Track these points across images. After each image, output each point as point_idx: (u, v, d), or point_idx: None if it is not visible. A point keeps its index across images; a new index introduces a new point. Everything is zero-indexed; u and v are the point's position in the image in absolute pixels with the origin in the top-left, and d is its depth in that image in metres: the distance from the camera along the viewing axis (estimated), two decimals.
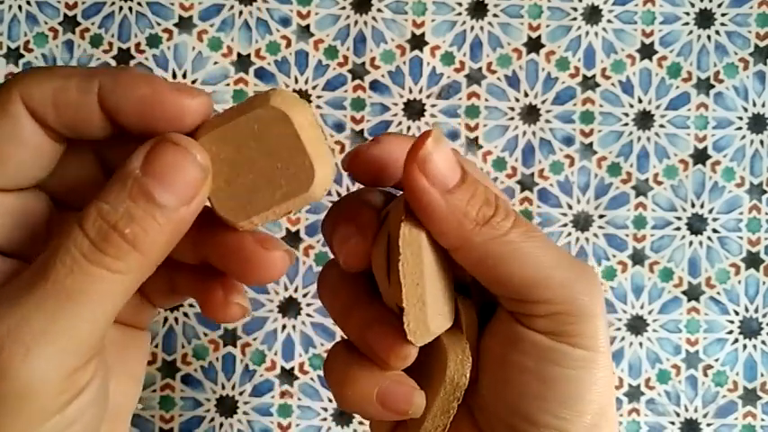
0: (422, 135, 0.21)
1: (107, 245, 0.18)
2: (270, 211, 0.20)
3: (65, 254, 0.18)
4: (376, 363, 0.23)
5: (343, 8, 0.42)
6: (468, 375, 0.24)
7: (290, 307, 0.41)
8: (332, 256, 0.25)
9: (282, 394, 0.41)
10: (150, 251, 0.18)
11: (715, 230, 0.42)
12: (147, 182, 0.18)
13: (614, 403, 0.23)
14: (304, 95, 0.42)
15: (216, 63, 0.42)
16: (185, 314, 0.41)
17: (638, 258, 0.42)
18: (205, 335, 0.41)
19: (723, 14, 0.42)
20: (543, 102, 0.42)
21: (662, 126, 0.42)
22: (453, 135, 0.42)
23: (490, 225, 0.22)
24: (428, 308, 0.22)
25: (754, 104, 0.42)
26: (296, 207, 0.21)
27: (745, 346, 0.42)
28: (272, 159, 0.20)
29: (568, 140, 0.42)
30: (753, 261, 0.42)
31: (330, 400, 0.41)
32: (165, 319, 0.41)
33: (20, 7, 0.42)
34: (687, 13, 0.42)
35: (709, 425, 0.41)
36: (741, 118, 0.42)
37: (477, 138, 0.42)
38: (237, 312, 0.23)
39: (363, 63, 0.42)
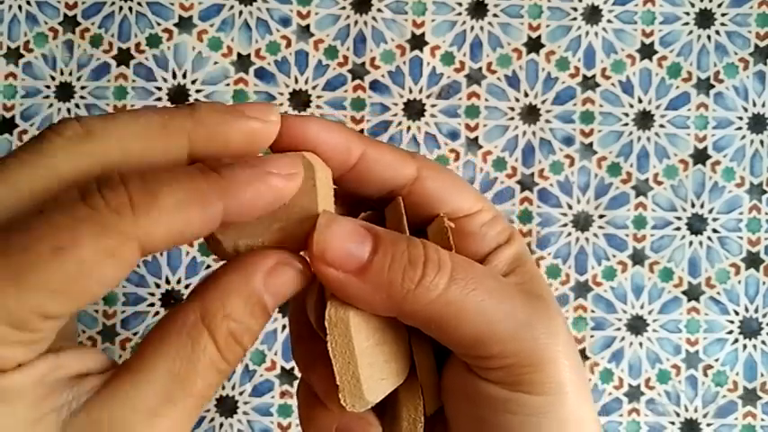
0: (312, 226, 0.20)
1: (231, 355, 0.19)
2: (259, 240, 0.20)
3: (206, 371, 0.18)
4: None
5: (344, 8, 0.42)
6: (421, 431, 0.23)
7: (289, 307, 0.41)
8: None
9: (282, 394, 0.41)
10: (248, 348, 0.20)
11: (715, 230, 0.42)
12: (268, 300, 0.19)
13: None
14: (304, 95, 0.42)
15: (216, 63, 0.42)
16: None
17: (638, 258, 0.42)
18: None
19: (723, 14, 0.42)
20: (543, 102, 0.42)
21: (662, 126, 0.42)
22: (453, 135, 0.42)
23: (422, 287, 0.20)
24: (362, 384, 0.21)
25: (754, 104, 0.42)
26: (285, 245, 0.20)
27: (745, 346, 0.42)
28: None
29: (568, 140, 0.42)
30: (753, 261, 0.42)
31: None
32: None
33: (20, 7, 0.42)
34: (687, 13, 0.42)
35: (709, 425, 0.41)
36: (741, 118, 0.42)
37: (477, 138, 0.42)
38: None
39: (363, 63, 0.42)
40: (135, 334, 0.41)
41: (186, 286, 0.41)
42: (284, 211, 0.20)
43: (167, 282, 0.41)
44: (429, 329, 0.21)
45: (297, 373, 0.41)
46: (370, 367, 0.21)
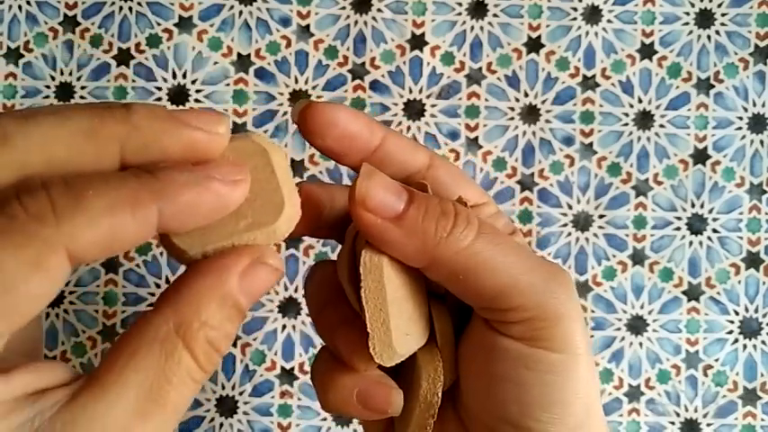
0: (355, 177, 0.21)
1: (209, 364, 0.18)
2: (228, 242, 0.19)
3: (181, 383, 0.18)
4: (347, 365, 0.24)
5: (344, 8, 0.42)
6: (440, 394, 0.24)
7: (289, 307, 0.41)
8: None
9: (282, 394, 0.41)
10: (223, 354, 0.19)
11: (715, 230, 0.42)
12: (242, 300, 0.19)
13: (599, 402, 0.23)
14: (304, 95, 0.42)
15: (216, 63, 0.42)
16: None
17: (638, 258, 0.42)
18: None
19: (723, 14, 0.42)
20: (543, 102, 0.42)
21: (662, 126, 0.42)
22: (453, 135, 0.42)
23: (453, 237, 0.21)
24: (392, 332, 0.22)
25: (754, 104, 0.42)
26: (257, 242, 0.20)
27: (745, 346, 0.42)
28: None
29: (568, 140, 0.42)
30: (753, 261, 0.42)
31: None
32: None
33: (20, 7, 0.42)
34: (687, 13, 0.42)
35: (709, 425, 0.41)
36: (741, 118, 0.42)
37: (477, 138, 0.42)
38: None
39: (363, 63, 0.42)
40: None
41: None
42: (247, 206, 0.19)
43: (167, 281, 0.41)
44: (455, 281, 0.22)
45: (297, 373, 0.41)
46: (398, 318, 0.22)
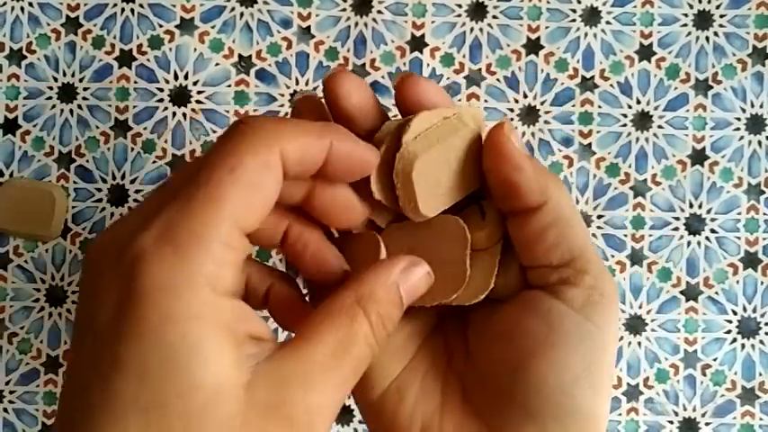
0: (497, 124, 0.25)
1: (379, 335, 0.23)
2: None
3: (360, 344, 0.22)
4: None
5: (344, 10, 0.42)
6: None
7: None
8: None
9: None
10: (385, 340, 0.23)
11: (713, 231, 0.42)
12: (404, 295, 0.23)
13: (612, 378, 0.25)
14: None
15: (217, 65, 0.42)
16: None
17: (636, 258, 0.42)
18: None
19: (722, 16, 0.43)
20: (542, 103, 0.42)
21: (660, 127, 0.42)
22: None
23: (561, 185, 0.25)
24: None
25: (753, 105, 0.42)
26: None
27: (743, 346, 0.42)
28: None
29: (567, 141, 0.42)
30: (751, 261, 0.42)
31: None
32: None
33: (22, 9, 0.42)
34: (686, 15, 0.43)
35: (707, 424, 0.42)
36: (739, 119, 0.42)
37: None
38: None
39: (364, 64, 0.42)
40: None
41: None
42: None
43: None
44: (553, 231, 0.25)
45: None
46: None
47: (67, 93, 0.42)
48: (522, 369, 0.24)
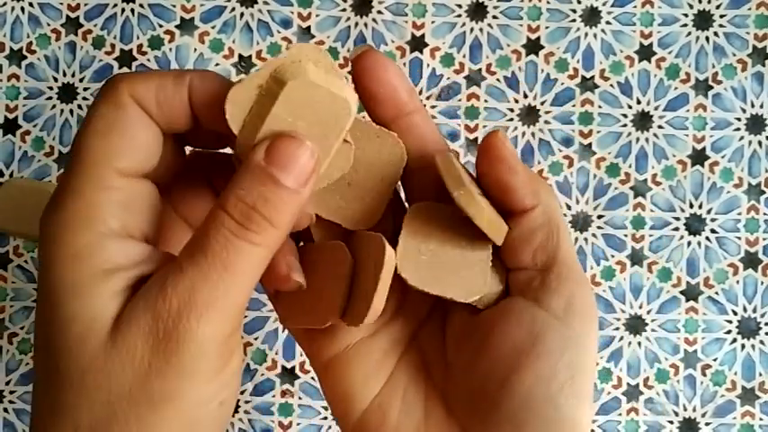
0: (493, 131, 0.25)
1: (250, 223, 0.21)
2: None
3: (216, 233, 0.21)
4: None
5: (344, 10, 0.42)
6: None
7: None
8: None
9: (283, 393, 0.41)
10: (281, 225, 0.22)
11: (713, 231, 0.42)
12: (273, 170, 0.22)
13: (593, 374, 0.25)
14: None
15: (217, 65, 0.42)
16: None
17: (636, 258, 0.42)
18: None
19: (722, 16, 0.43)
20: (542, 103, 0.42)
21: (660, 127, 0.42)
22: (453, 136, 0.42)
23: (552, 191, 0.26)
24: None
25: (753, 105, 0.42)
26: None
27: (743, 346, 0.42)
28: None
29: (567, 141, 0.42)
30: (751, 261, 0.42)
31: None
32: None
33: (22, 9, 0.42)
34: (686, 15, 0.43)
35: (707, 424, 0.42)
36: (739, 119, 0.42)
37: (476, 139, 0.42)
38: (294, 286, 0.25)
39: None
40: None
41: None
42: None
43: None
44: (545, 233, 0.25)
45: (298, 372, 0.41)
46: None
47: (67, 93, 0.42)
48: (508, 382, 0.24)
